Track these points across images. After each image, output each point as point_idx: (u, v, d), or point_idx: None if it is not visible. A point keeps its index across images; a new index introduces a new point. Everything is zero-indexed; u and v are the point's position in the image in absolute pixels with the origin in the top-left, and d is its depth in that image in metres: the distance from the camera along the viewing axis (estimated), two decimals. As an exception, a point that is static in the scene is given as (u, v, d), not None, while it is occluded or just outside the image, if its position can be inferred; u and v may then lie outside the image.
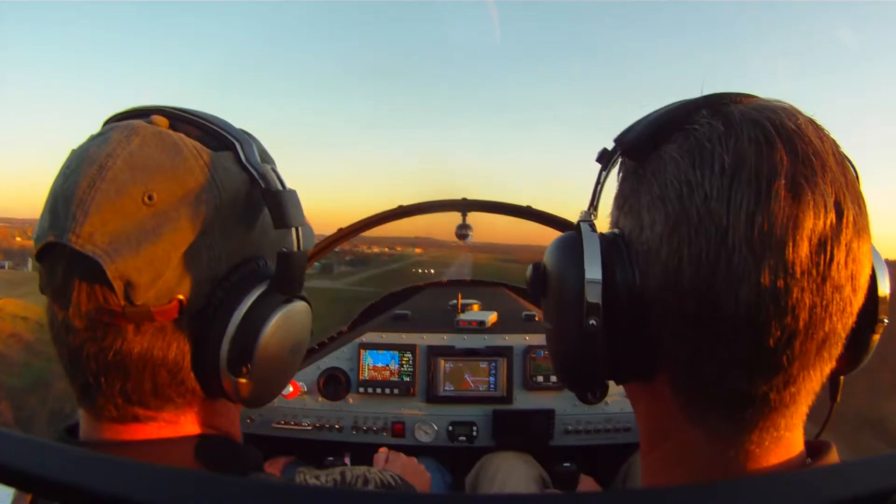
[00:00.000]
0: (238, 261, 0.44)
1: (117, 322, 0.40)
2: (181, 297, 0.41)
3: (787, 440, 0.38)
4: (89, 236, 0.38)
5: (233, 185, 0.43)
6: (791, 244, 0.33)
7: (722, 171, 0.35)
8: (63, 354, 0.43)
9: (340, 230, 1.56)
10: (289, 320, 0.44)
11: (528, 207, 1.58)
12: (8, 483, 0.25)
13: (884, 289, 0.41)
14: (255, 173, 0.43)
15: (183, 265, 0.41)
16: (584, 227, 0.41)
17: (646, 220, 0.38)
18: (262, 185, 0.43)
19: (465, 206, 1.58)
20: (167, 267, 0.40)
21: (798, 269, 0.33)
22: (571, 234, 0.42)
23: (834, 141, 0.37)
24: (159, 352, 0.41)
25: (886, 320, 0.41)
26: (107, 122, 0.46)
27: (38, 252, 0.41)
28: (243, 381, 0.43)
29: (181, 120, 0.44)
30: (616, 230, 0.41)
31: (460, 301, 1.60)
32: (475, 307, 1.62)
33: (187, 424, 0.46)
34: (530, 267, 0.45)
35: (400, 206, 1.55)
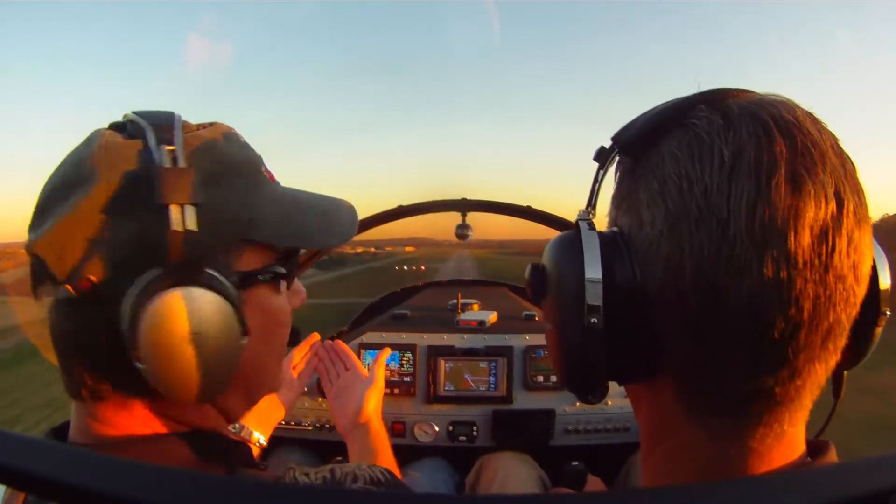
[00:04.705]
0: (143, 243, 0.43)
1: (64, 307, 0.43)
2: (92, 277, 0.42)
3: (789, 436, 0.37)
4: (33, 229, 0.44)
5: (127, 168, 0.44)
6: (793, 234, 0.33)
7: (721, 164, 0.34)
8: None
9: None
10: (173, 306, 0.42)
11: (528, 207, 1.58)
12: (1, 481, 0.25)
13: (885, 281, 0.40)
14: (153, 154, 0.44)
15: (87, 247, 0.43)
16: (583, 225, 0.41)
17: (645, 216, 0.37)
18: (157, 163, 0.43)
19: (464, 206, 1.58)
20: (65, 247, 0.43)
21: (801, 260, 0.33)
22: (570, 233, 0.41)
23: (832, 134, 0.37)
24: (91, 332, 0.44)
25: (889, 313, 0.40)
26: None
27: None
28: (143, 366, 0.42)
29: (132, 121, 0.47)
30: (615, 228, 0.41)
31: (460, 301, 1.60)
32: (475, 307, 1.62)
33: (172, 414, 0.47)
34: (528, 267, 0.44)
35: (399, 207, 1.56)
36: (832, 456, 0.39)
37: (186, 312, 0.43)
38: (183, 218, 0.42)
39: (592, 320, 0.38)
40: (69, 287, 0.42)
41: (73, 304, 0.43)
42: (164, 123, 0.46)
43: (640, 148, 0.40)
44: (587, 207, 0.44)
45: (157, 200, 0.42)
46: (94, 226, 0.43)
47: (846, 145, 0.37)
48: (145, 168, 0.43)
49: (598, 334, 0.38)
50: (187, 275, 0.43)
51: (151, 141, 0.44)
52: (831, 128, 0.37)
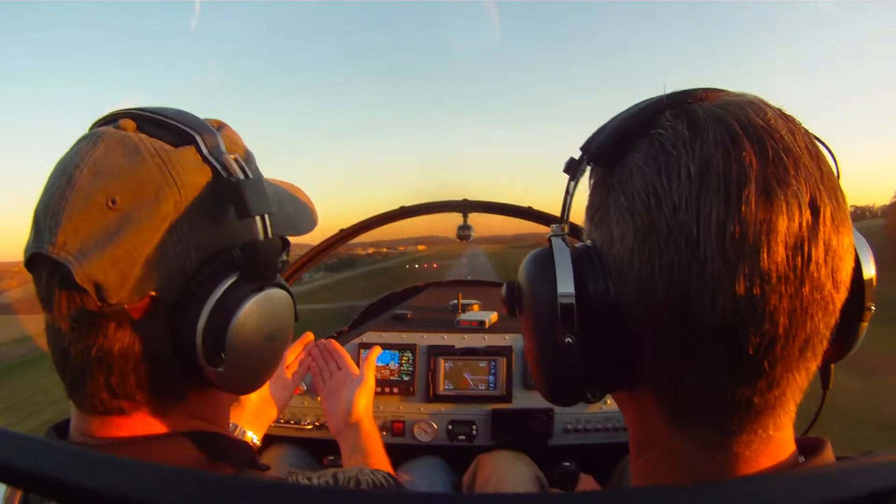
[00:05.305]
0: (209, 253, 0.45)
1: (98, 321, 0.42)
2: (153, 293, 0.42)
3: (776, 440, 0.37)
4: (63, 244, 0.40)
5: (194, 180, 0.44)
6: (765, 250, 0.32)
7: (689, 178, 0.33)
8: (53, 353, 0.44)
9: (341, 231, 1.57)
10: (259, 308, 0.45)
11: (530, 208, 1.58)
12: (3, 480, 0.26)
13: (869, 273, 0.39)
14: (216, 165, 0.44)
15: (151, 262, 0.42)
16: (556, 241, 0.40)
17: (615, 232, 0.37)
18: (224, 175, 0.44)
19: (466, 206, 1.58)
20: (133, 266, 0.41)
21: (774, 275, 0.32)
22: (543, 249, 0.41)
23: (806, 132, 0.36)
24: (140, 346, 0.43)
25: (874, 307, 0.40)
26: (91, 127, 0.47)
27: (25, 263, 0.43)
28: (221, 369, 0.44)
29: (146, 121, 0.45)
30: (588, 242, 0.41)
31: (460, 301, 1.61)
32: (475, 307, 1.63)
33: (175, 416, 0.47)
34: (504, 285, 0.44)
35: (402, 207, 1.56)
36: (828, 454, 0.39)
37: (271, 311, 0.46)
38: (265, 226, 0.44)
39: (567, 338, 0.38)
40: (127, 305, 0.41)
41: (108, 319, 0.42)
42: (200, 127, 0.45)
43: (608, 158, 0.39)
44: (560, 221, 0.43)
45: (244, 213, 0.43)
46: (163, 240, 0.42)
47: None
48: (216, 179, 0.44)
49: (573, 350, 0.38)
50: (266, 277, 0.45)
51: (203, 148, 0.44)
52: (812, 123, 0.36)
